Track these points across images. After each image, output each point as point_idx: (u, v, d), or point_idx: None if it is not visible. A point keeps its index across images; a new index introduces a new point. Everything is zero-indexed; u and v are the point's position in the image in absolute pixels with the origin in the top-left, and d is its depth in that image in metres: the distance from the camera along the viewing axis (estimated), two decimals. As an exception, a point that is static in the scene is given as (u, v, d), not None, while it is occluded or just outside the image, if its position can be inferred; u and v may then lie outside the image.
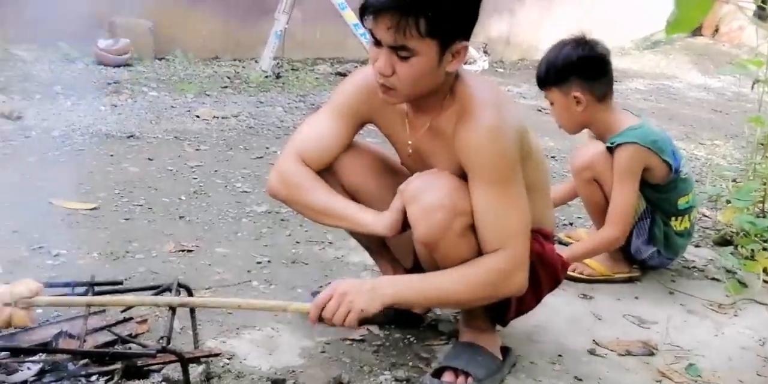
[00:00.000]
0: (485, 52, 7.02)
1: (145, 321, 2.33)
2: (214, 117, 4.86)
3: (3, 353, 2.01)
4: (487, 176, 2.02)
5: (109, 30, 5.90)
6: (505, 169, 2.02)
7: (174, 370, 2.00)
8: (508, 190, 2.03)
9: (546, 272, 2.22)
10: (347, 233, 2.52)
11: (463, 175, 2.08)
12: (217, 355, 2.16)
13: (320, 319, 1.96)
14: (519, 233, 2.05)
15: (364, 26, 2.03)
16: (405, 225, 2.10)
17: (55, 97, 4.85)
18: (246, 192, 3.65)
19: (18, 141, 4.04)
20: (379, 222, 2.12)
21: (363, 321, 1.98)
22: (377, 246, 2.48)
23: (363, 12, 1.96)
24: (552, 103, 2.93)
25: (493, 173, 2.01)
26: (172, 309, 2.07)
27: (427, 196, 2.03)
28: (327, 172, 2.29)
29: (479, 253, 2.06)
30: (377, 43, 1.97)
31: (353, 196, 2.31)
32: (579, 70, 2.83)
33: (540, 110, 5.72)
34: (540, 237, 2.21)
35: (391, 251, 2.47)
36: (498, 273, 2.03)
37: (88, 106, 4.76)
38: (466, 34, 1.99)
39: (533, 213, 2.10)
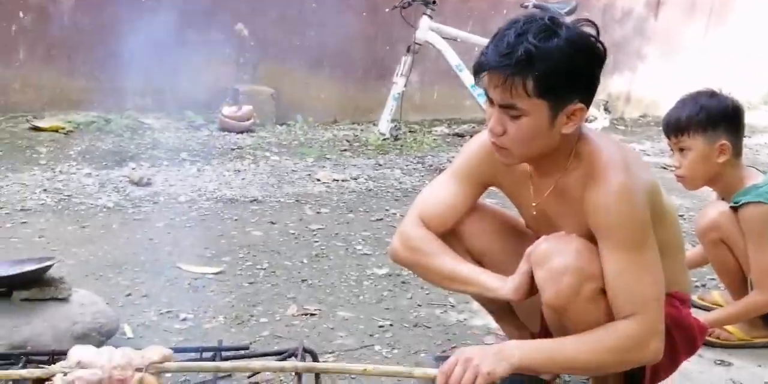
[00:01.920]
0: (606, 109, 6.93)
1: (270, 386, 2.33)
2: (334, 180, 4.92)
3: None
4: (617, 239, 1.96)
5: (233, 97, 6.09)
6: (636, 232, 1.96)
7: (300, 438, 1.98)
8: (640, 253, 1.96)
9: (682, 338, 2.12)
10: (470, 297, 2.48)
11: (591, 238, 2.02)
12: (342, 422, 2.13)
13: None
14: (653, 299, 1.96)
15: (478, 85, 2.03)
16: (532, 289, 2.06)
17: (181, 164, 5.00)
18: (367, 255, 3.66)
19: (147, 207, 4.17)
20: (505, 286, 2.08)
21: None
22: (502, 310, 2.43)
23: (476, 71, 1.96)
24: (682, 150, 2.76)
25: (624, 236, 1.95)
26: (298, 375, 2.06)
27: (555, 260, 1.98)
28: (450, 235, 2.26)
29: (611, 317, 1.99)
30: (491, 101, 1.97)
31: (477, 260, 2.27)
32: (730, 119, 2.73)
33: (665, 167, 5.57)
34: (676, 301, 2.12)
35: (517, 315, 2.41)
36: (631, 340, 1.94)
37: (213, 171, 4.89)
38: (582, 96, 1.96)
39: (667, 276, 2.02)
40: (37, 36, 5.71)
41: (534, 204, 2.18)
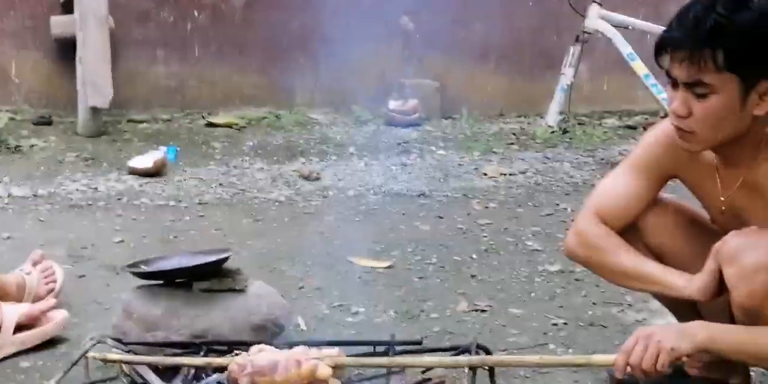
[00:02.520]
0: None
1: (443, 382, 2.30)
2: (502, 174, 4.84)
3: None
4: (816, 235, 1.83)
5: (399, 91, 6.10)
6: (837, 227, 1.81)
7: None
8: (841, 249, 1.82)
9: None
10: (651, 295, 2.37)
11: (786, 234, 1.89)
12: (519, 422, 2.08)
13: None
14: None
15: (660, 66, 1.93)
16: (720, 288, 1.94)
17: (349, 158, 5.05)
18: (537, 250, 3.57)
19: (317, 200, 4.24)
20: (691, 285, 1.97)
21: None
22: (686, 310, 2.28)
23: (658, 49, 1.88)
24: None
25: (824, 231, 1.81)
26: (473, 370, 2.01)
27: (747, 257, 1.86)
28: (629, 231, 2.16)
29: (810, 321, 1.86)
30: (674, 84, 1.87)
31: (659, 257, 2.16)
32: None
33: None
34: None
35: (702, 316, 2.28)
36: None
37: (380, 165, 4.92)
38: None
39: None
40: (211, 34, 5.91)
41: (722, 198, 2.05)
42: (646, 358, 1.81)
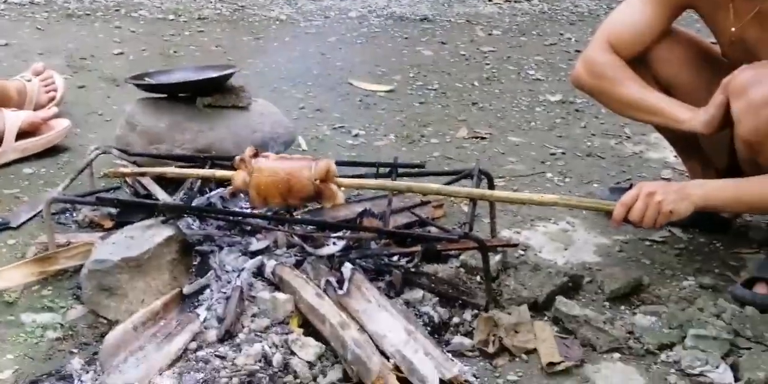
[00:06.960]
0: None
1: (441, 205, 2.35)
2: (507, 1, 4.73)
3: (310, 227, 2.09)
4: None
5: None
6: None
7: (471, 257, 2.00)
8: None
9: None
10: (653, 128, 2.37)
11: (796, 69, 1.87)
12: (515, 245, 2.13)
13: (625, 220, 1.87)
14: None
15: None
16: (726, 122, 1.94)
17: (352, -23, 4.90)
18: (539, 80, 3.55)
19: (318, 21, 4.16)
20: (696, 118, 1.97)
21: (666, 221, 1.88)
22: (687, 143, 2.31)
23: None
24: None
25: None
26: (473, 200, 2.02)
27: (755, 90, 1.84)
28: (639, 61, 2.14)
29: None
30: None
31: (666, 89, 2.15)
32: None
33: None
34: None
35: (703, 149, 2.29)
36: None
37: (383, -13, 4.78)
38: None
39: None
40: None
41: (732, 29, 2.01)
42: (646, 217, 1.84)
